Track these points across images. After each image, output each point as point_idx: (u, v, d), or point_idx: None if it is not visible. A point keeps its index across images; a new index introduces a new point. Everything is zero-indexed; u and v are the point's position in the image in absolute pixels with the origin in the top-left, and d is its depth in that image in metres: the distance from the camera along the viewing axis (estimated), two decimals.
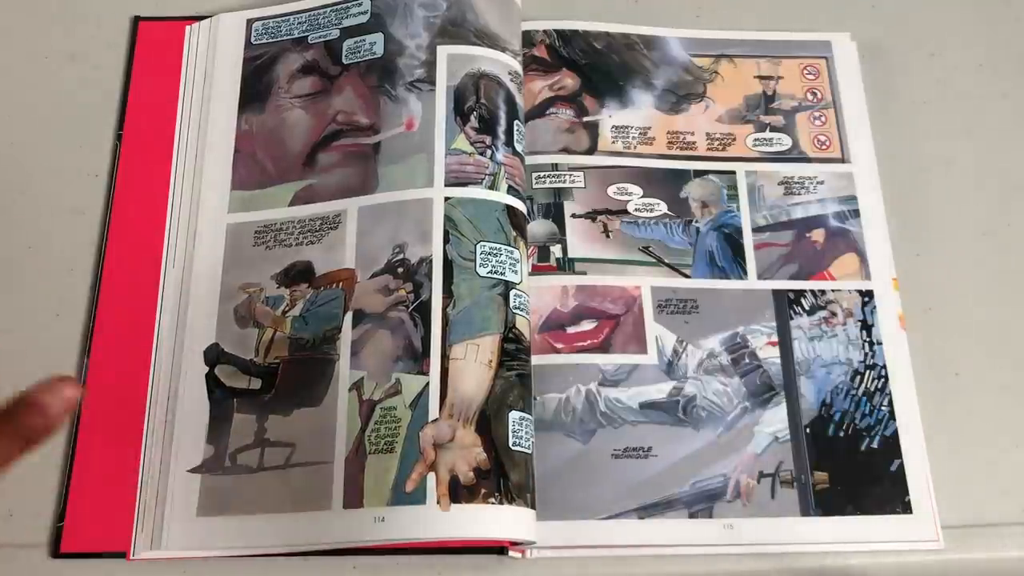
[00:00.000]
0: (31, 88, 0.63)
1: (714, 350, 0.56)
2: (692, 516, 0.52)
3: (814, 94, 0.64)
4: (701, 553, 0.51)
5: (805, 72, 0.64)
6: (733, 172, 0.61)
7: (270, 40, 0.63)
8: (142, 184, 0.60)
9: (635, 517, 0.51)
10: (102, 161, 0.60)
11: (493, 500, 0.48)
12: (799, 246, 0.59)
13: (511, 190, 0.56)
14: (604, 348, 0.56)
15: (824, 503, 0.52)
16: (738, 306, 0.57)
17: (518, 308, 0.54)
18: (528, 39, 0.64)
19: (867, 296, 0.57)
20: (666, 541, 0.51)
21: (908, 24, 0.67)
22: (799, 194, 0.61)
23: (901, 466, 0.53)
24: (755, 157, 0.62)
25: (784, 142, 0.62)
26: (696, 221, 0.60)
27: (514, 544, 0.50)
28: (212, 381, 0.54)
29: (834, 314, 0.57)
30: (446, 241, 0.54)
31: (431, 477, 0.49)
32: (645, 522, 0.51)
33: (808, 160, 0.62)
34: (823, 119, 0.63)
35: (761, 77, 0.64)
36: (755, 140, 0.62)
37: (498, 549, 0.50)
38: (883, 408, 0.55)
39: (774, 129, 0.63)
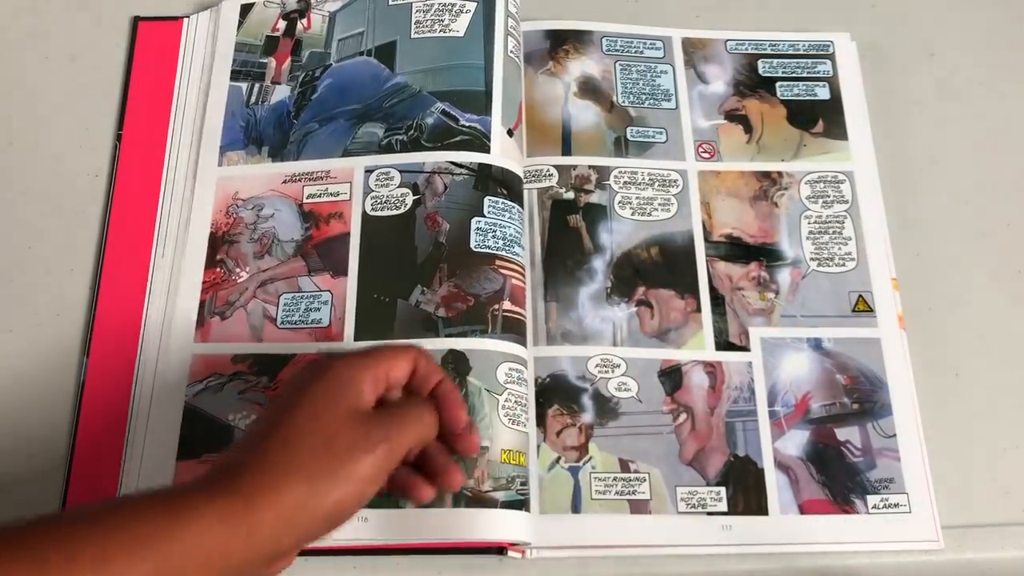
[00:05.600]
0: (31, 89, 0.63)
1: None
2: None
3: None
4: (700, 553, 0.51)
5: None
6: None
7: None
8: (142, 184, 0.60)
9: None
10: (102, 161, 0.60)
11: None
12: None
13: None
14: None
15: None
16: None
17: None
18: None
19: None
20: (665, 541, 0.51)
21: (908, 24, 0.66)
22: None
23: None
24: None
25: None
26: None
27: (513, 544, 0.50)
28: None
29: None
30: None
31: None
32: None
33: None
34: None
35: None
36: None
37: (497, 549, 0.50)
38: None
39: None
